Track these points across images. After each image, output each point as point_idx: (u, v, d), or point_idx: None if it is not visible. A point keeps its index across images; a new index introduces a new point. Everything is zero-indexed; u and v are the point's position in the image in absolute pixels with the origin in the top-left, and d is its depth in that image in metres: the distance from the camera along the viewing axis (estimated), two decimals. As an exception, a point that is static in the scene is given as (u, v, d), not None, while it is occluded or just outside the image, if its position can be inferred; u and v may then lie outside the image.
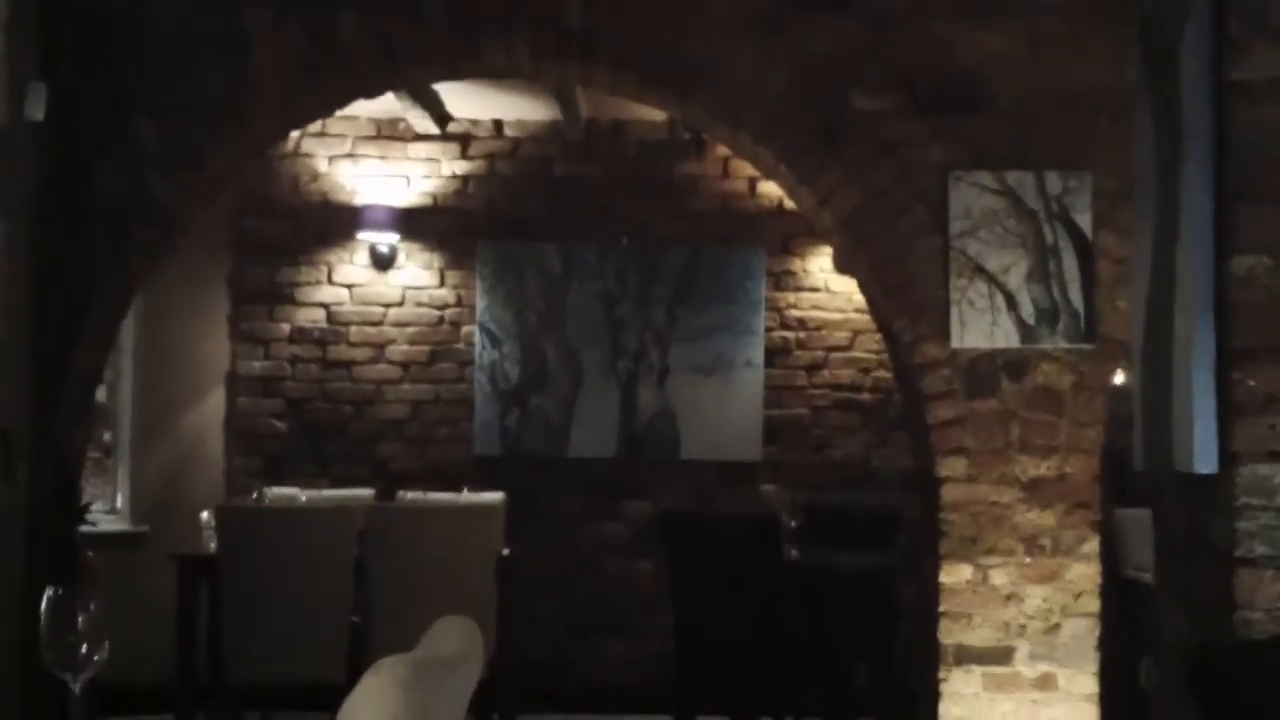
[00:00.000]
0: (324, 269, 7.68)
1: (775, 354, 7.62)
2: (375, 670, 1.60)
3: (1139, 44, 3.26)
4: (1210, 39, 2.92)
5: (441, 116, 7.57)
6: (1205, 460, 2.73)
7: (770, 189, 7.39)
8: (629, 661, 7.37)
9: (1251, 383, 2.71)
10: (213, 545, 5.84)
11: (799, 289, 7.67)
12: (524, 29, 5.14)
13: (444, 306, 7.68)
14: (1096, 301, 5.06)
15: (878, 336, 6.37)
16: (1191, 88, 2.97)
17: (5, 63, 4.33)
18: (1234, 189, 2.85)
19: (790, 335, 7.66)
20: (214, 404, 7.62)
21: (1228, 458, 2.71)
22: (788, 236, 7.60)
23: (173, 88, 5.08)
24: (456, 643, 2.19)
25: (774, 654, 5.71)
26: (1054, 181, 5.12)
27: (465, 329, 7.65)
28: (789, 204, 6.84)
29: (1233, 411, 2.72)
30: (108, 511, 7.20)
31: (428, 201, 7.71)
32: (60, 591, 2.25)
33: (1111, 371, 5.16)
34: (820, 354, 7.66)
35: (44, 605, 2.22)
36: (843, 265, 7.03)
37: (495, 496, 6.45)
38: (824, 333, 7.66)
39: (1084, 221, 5.11)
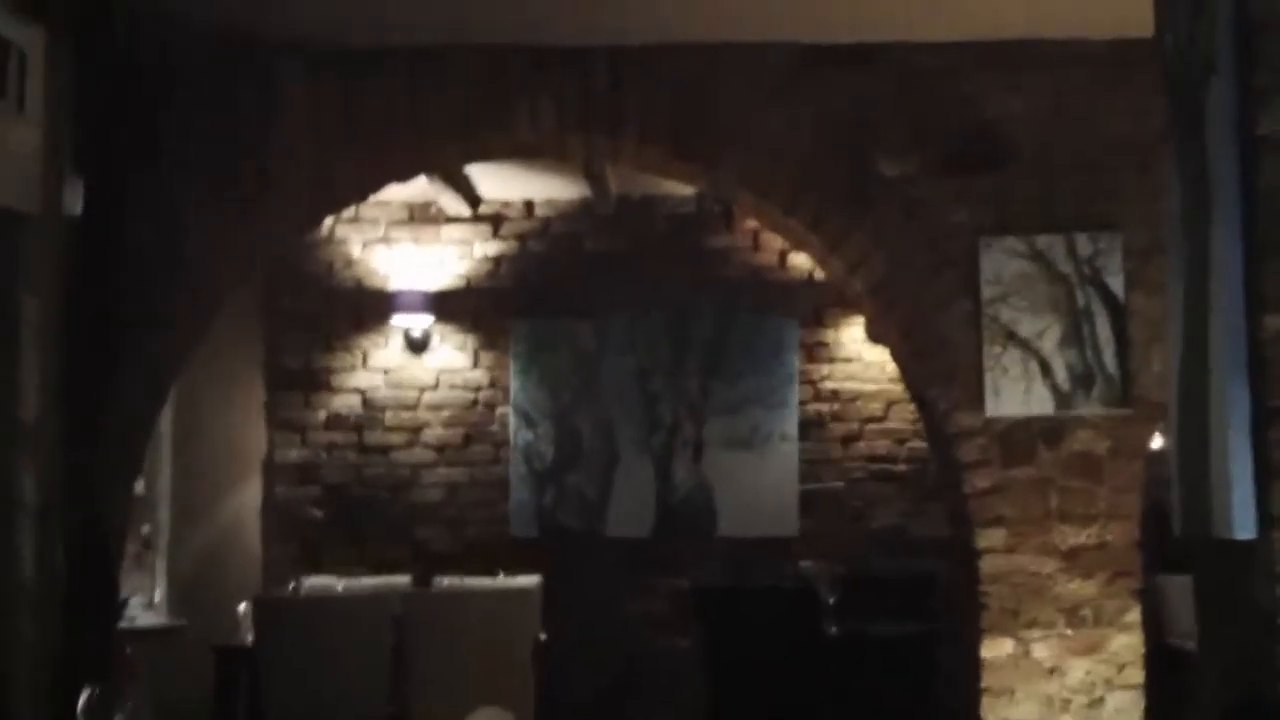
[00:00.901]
0: (359, 354, 7.70)
1: (810, 426, 7.56)
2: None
3: (1165, 98, 3.22)
4: (1237, 92, 2.87)
5: (473, 198, 7.61)
6: (1244, 524, 2.66)
7: (801, 260, 7.38)
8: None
9: (1289, 444, 2.63)
10: (250, 637, 5.81)
11: (832, 360, 7.62)
12: (550, 105, 5.17)
13: (478, 388, 7.68)
14: (1131, 364, 5.00)
15: (912, 406, 6.30)
16: (1218, 142, 2.93)
17: (41, 154, 4.38)
18: (1264, 245, 2.79)
19: (824, 407, 7.60)
20: (251, 492, 7.62)
21: (1267, 521, 2.63)
22: (819, 307, 7.57)
23: (208, 167, 5.12)
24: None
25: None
26: (1084, 244, 5.07)
27: (499, 410, 7.64)
28: (820, 274, 6.82)
29: (1271, 473, 2.64)
30: (147, 605, 7.18)
31: (460, 283, 7.74)
32: (98, 691, 2.24)
33: (1149, 435, 5.08)
34: (855, 425, 7.59)
35: (81, 705, 2.20)
36: (875, 334, 6.99)
37: (531, 579, 6.41)
38: (858, 404, 7.60)
39: (1116, 283, 5.05)
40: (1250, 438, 2.69)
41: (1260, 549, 2.64)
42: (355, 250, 7.76)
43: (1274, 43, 2.79)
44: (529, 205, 7.77)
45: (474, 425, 7.66)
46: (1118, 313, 5.04)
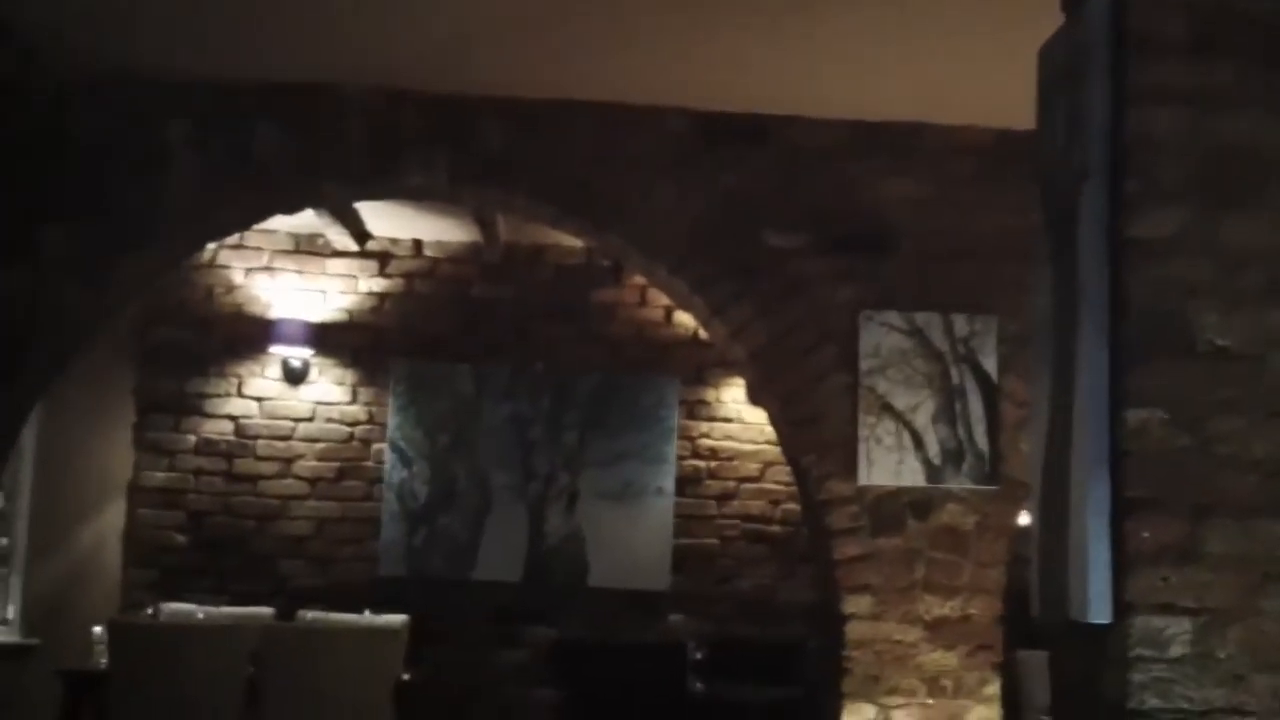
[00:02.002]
0: (234, 381, 7.62)
1: (686, 482, 7.63)
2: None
3: (1039, 198, 3.36)
4: (1107, 197, 3.00)
5: (360, 234, 7.59)
6: (1099, 610, 2.76)
7: (686, 318, 7.47)
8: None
9: (1145, 534, 2.75)
10: (104, 660, 5.70)
11: (712, 418, 7.71)
12: (444, 154, 5.20)
13: (355, 423, 7.63)
14: (1001, 443, 5.15)
15: (788, 469, 6.41)
16: (1089, 243, 3.05)
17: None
18: (1128, 343, 2.91)
19: (702, 464, 7.68)
20: (113, 515, 7.47)
21: (1121, 608, 2.74)
22: (701, 366, 7.66)
23: (86, 197, 5.06)
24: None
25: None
26: (961, 324, 5.23)
27: (375, 446, 7.60)
28: (704, 334, 6.91)
29: (1126, 562, 2.76)
30: (-1, 623, 6.99)
31: (343, 317, 7.70)
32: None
33: (1015, 513, 5.23)
34: (731, 484, 7.68)
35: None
36: (754, 398, 7.10)
37: (397, 619, 6.36)
38: (735, 463, 7.69)
39: (989, 364, 5.22)
40: (1109, 526, 2.80)
41: (1114, 635, 2.75)
42: (237, 277, 7.69)
43: (1145, 153, 2.93)
44: (418, 244, 7.77)
45: (348, 460, 7.60)
46: (990, 392, 5.19)
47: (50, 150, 5.08)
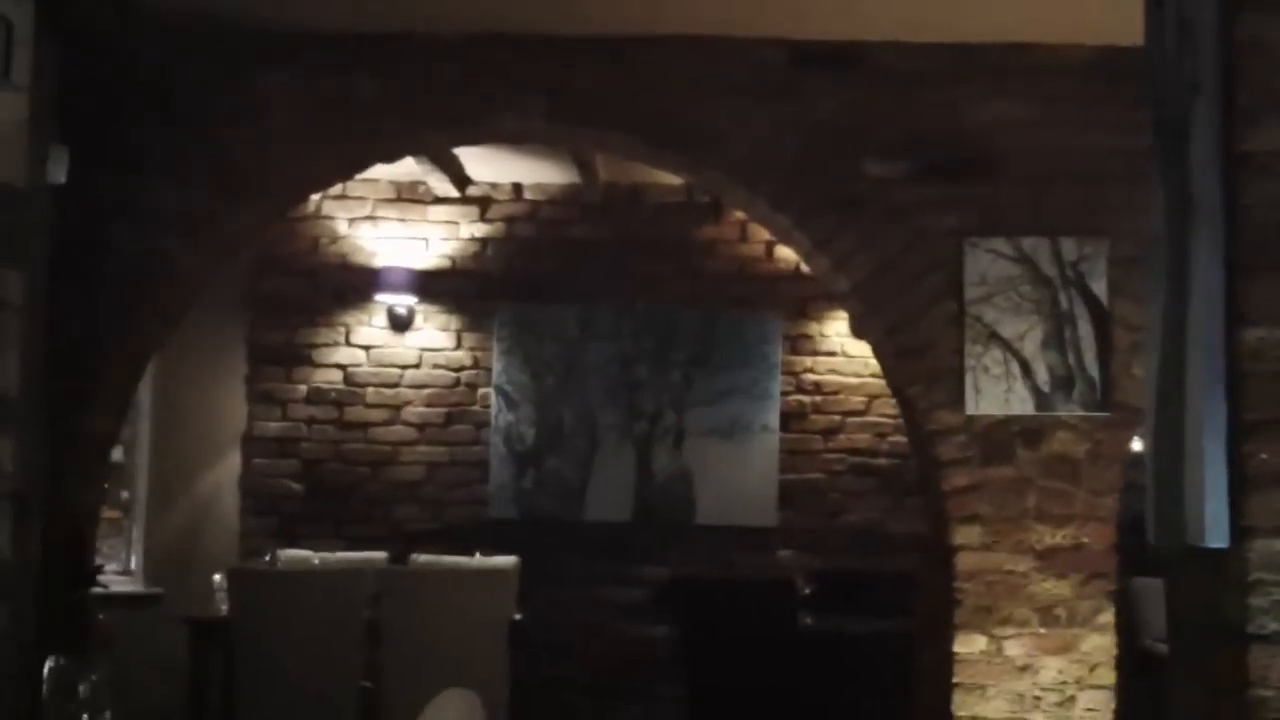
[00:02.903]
0: (342, 330, 7.71)
1: (791, 418, 7.60)
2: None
3: (1148, 113, 3.26)
4: (1219, 110, 2.91)
5: (461, 179, 7.62)
6: (1217, 534, 2.70)
7: (787, 253, 7.40)
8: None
9: (1264, 456, 2.67)
10: (225, 607, 5.83)
11: (815, 353, 7.66)
12: (539, 95, 5.18)
13: (460, 369, 7.70)
14: (1112, 369, 5.04)
15: (893, 401, 6.34)
16: (1201, 158, 2.96)
17: (27, 125, 4.38)
18: (1244, 261, 2.82)
19: (806, 399, 7.64)
20: (229, 465, 7.63)
21: (1240, 532, 2.67)
22: (804, 300, 7.60)
23: (192, 150, 5.13)
24: (455, 716, 2.19)
25: (788, 721, 5.66)
26: (1069, 248, 5.11)
27: (481, 391, 7.66)
28: (805, 268, 6.85)
29: (1245, 485, 2.69)
30: (122, 573, 7.20)
31: (446, 264, 7.75)
32: (61, 661, 2.24)
33: (1128, 439, 5.12)
34: (836, 418, 7.63)
35: (45, 675, 2.21)
36: (858, 330, 7.03)
37: (508, 560, 6.43)
38: (840, 397, 7.64)
39: (1099, 288, 5.09)
40: (1225, 449, 2.73)
41: (1232, 559, 2.68)
42: (341, 227, 7.77)
43: (1258, 63, 2.82)
44: (517, 188, 7.78)
45: (455, 405, 7.68)
46: (1100, 318, 5.08)
47: (152, 103, 5.15)
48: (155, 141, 5.12)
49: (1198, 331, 2.89)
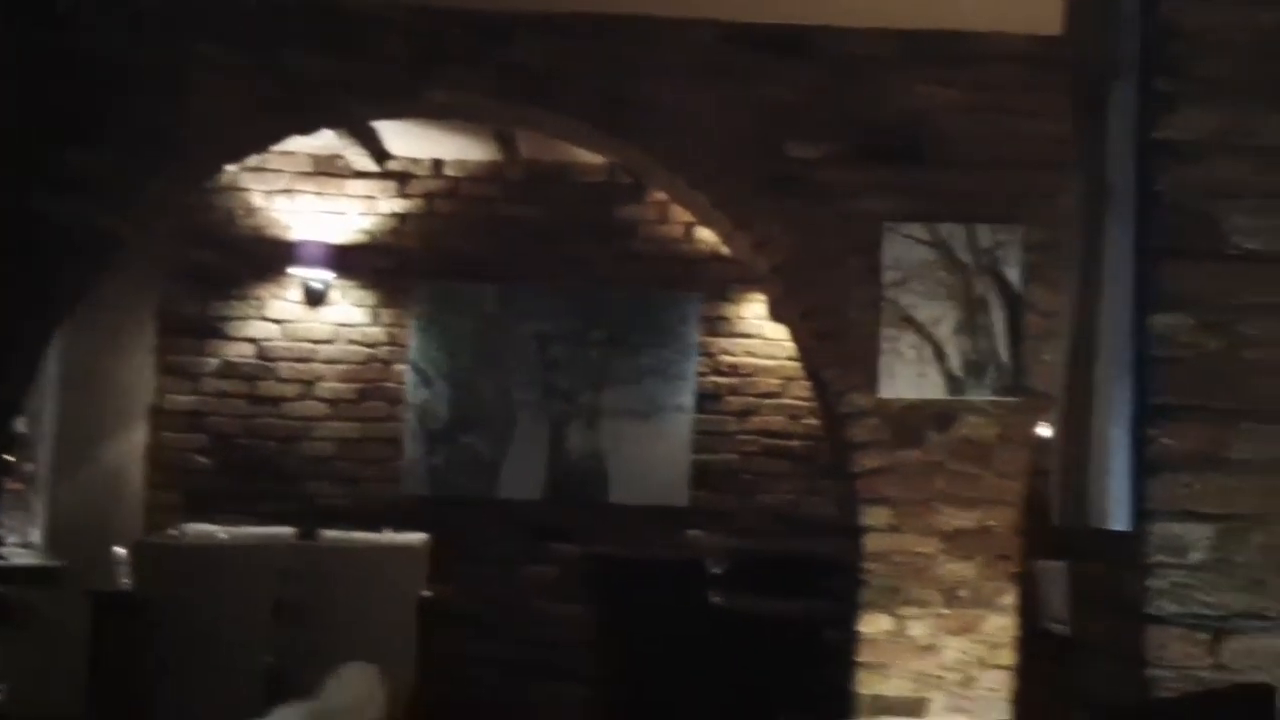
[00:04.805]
0: (256, 304, 7.60)
1: (707, 399, 7.61)
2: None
3: (1069, 99, 3.28)
4: (1138, 97, 2.93)
5: (380, 154, 7.53)
6: (1120, 517, 2.73)
7: (707, 234, 7.39)
8: (557, 704, 7.29)
9: (1167, 440, 2.70)
10: (129, 581, 5.73)
11: (732, 335, 7.67)
12: (473, 70, 5.13)
13: (376, 344, 7.62)
14: (1024, 354, 5.09)
15: (809, 384, 6.36)
16: (1118, 144, 2.98)
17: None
18: (1156, 247, 2.85)
19: (722, 381, 7.65)
20: (137, 437, 7.49)
21: (1142, 515, 2.70)
22: (723, 282, 7.60)
23: (109, 116, 5.00)
24: (355, 690, 2.16)
25: (698, 699, 5.66)
26: (985, 235, 5.15)
27: (396, 367, 7.59)
28: (725, 250, 6.85)
29: (1148, 469, 2.72)
30: (24, 545, 7.05)
31: (363, 239, 7.66)
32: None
33: (1037, 424, 5.18)
34: (752, 400, 7.65)
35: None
36: (776, 312, 7.04)
37: (418, 537, 6.38)
38: (756, 379, 7.66)
39: (1013, 275, 5.14)
40: (1131, 433, 2.76)
41: (1134, 541, 2.71)
42: (257, 200, 7.65)
43: (1176, 49, 2.85)
44: (438, 164, 7.71)
45: (370, 381, 7.60)
46: (1013, 303, 5.12)
47: (75, 70, 5.02)
48: (71, 106, 4.99)
49: (1108, 317, 2.92)
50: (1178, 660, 2.61)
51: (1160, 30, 2.86)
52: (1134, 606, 2.68)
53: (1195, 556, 2.64)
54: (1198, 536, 2.65)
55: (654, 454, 7.51)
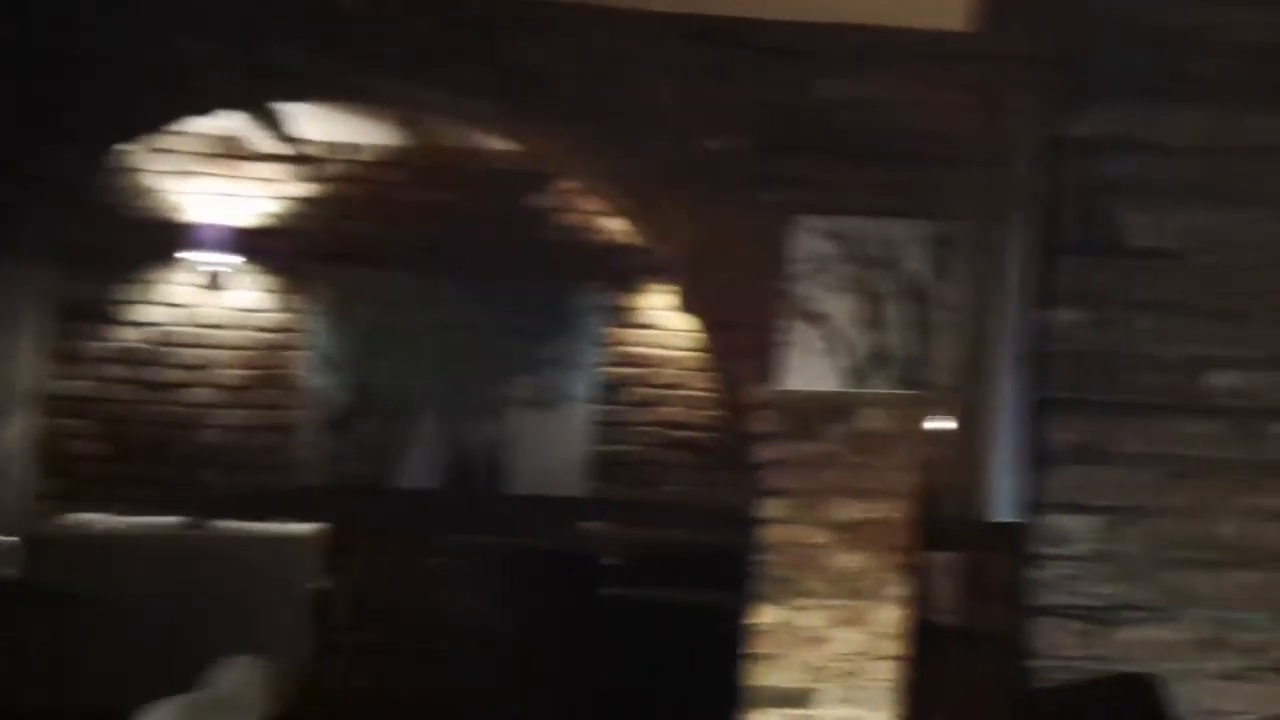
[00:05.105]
0: (152, 288, 7.45)
1: (610, 389, 7.58)
2: (146, 714, 1.54)
3: (977, 98, 3.30)
4: (1043, 97, 2.95)
5: (284, 137, 7.41)
6: (1010, 509, 2.75)
7: (613, 224, 7.37)
8: (453, 694, 7.21)
9: (1057, 434, 2.73)
10: (15, 571, 5.59)
11: (635, 326, 7.65)
12: (382, 53, 5.05)
13: (275, 330, 7.50)
14: (924, 348, 5.11)
15: (711, 375, 6.38)
16: (1021, 141, 3.01)
17: None
18: (1054, 243, 2.88)
19: (625, 372, 7.63)
20: (23, 424, 7.30)
21: (1032, 507, 2.72)
22: (628, 273, 7.56)
23: (5, 96, 4.86)
24: (240, 683, 2.12)
25: (594, 692, 5.64)
26: (891, 229, 5.17)
27: (296, 354, 7.48)
28: (629, 240, 6.83)
29: (1039, 461, 2.74)
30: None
31: (265, 223, 7.53)
32: None
33: (934, 417, 5.21)
34: (654, 391, 7.64)
35: None
36: (681, 303, 7.03)
37: (310, 527, 6.28)
38: (658, 370, 7.64)
39: (918, 269, 5.16)
40: (1022, 426, 2.78)
41: (1023, 533, 2.73)
42: (156, 181, 7.49)
43: (1082, 50, 2.87)
44: (343, 148, 7.59)
45: (268, 368, 7.48)
46: (916, 298, 5.14)
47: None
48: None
49: (1006, 311, 2.94)
50: (1060, 650, 2.64)
51: (1063, 31, 2.88)
52: (1019, 597, 2.70)
53: (1080, 548, 2.67)
54: (1083, 529, 2.68)
55: (554, 444, 7.48)
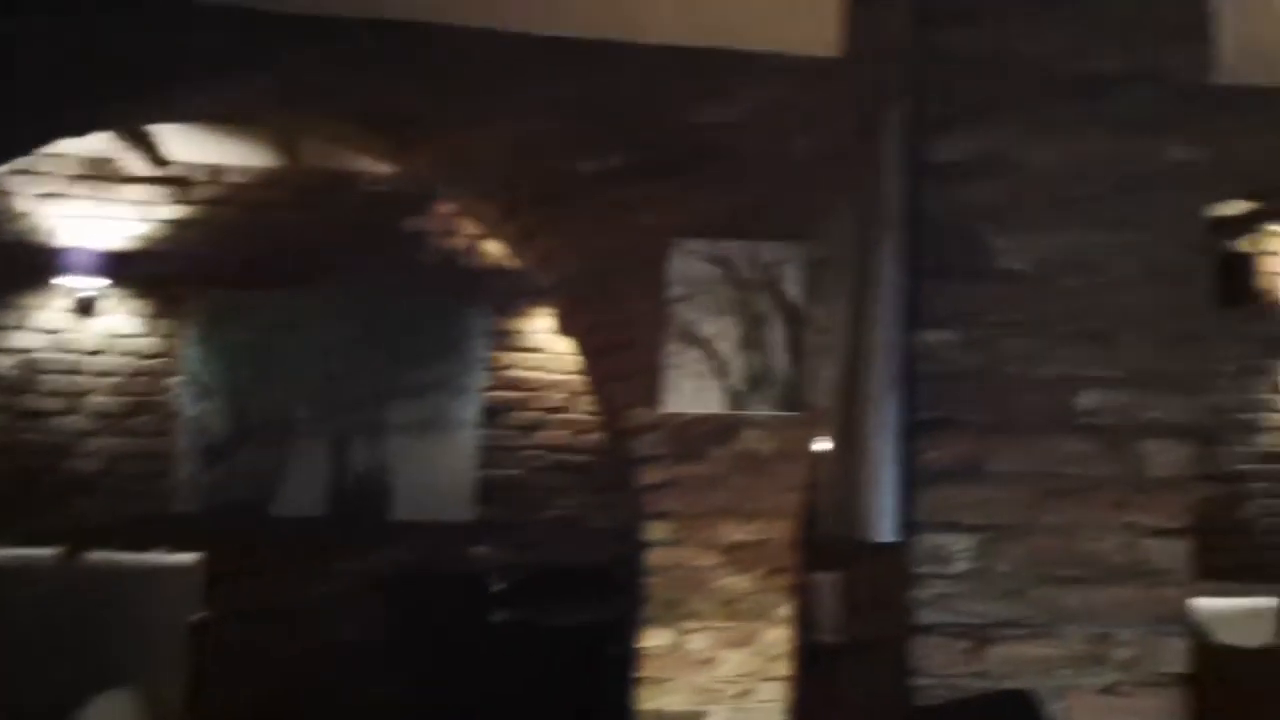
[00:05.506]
0: (21, 313, 7.26)
1: (493, 413, 7.56)
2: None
3: (846, 121, 3.36)
4: (910, 121, 3.01)
5: (157, 159, 7.28)
6: (887, 529, 2.79)
7: (494, 247, 7.36)
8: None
9: (932, 454, 2.78)
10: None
11: (519, 349, 7.64)
12: (246, 74, 4.99)
13: (149, 356, 7.36)
14: (803, 369, 5.18)
15: (594, 398, 6.37)
16: (891, 165, 3.06)
17: None
18: (924, 265, 2.93)
19: (509, 395, 7.61)
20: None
21: (908, 526, 2.77)
22: (509, 296, 7.56)
23: None
24: (111, 716, 2.08)
25: (483, 717, 5.61)
26: (767, 251, 5.24)
27: (171, 380, 7.34)
28: (512, 263, 6.82)
29: (915, 481, 2.79)
30: None
31: (138, 246, 7.39)
32: None
33: (814, 438, 5.28)
34: (538, 415, 7.63)
35: None
36: (562, 326, 7.04)
37: (189, 557, 6.16)
38: (542, 393, 7.64)
39: (794, 291, 5.24)
40: (898, 446, 2.83)
41: (901, 553, 2.77)
42: (25, 204, 7.31)
43: (947, 75, 2.94)
44: (218, 170, 7.49)
45: (142, 394, 7.33)
46: (793, 319, 5.22)
47: None
48: None
49: (880, 332, 2.98)
50: (941, 668, 2.68)
51: (930, 56, 2.94)
52: (900, 616, 2.74)
53: (958, 567, 2.72)
54: (960, 547, 2.73)
55: (439, 469, 7.42)
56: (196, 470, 7.26)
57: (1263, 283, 7.40)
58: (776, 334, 5.19)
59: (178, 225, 7.44)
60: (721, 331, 5.16)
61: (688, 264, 5.19)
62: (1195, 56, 2.98)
